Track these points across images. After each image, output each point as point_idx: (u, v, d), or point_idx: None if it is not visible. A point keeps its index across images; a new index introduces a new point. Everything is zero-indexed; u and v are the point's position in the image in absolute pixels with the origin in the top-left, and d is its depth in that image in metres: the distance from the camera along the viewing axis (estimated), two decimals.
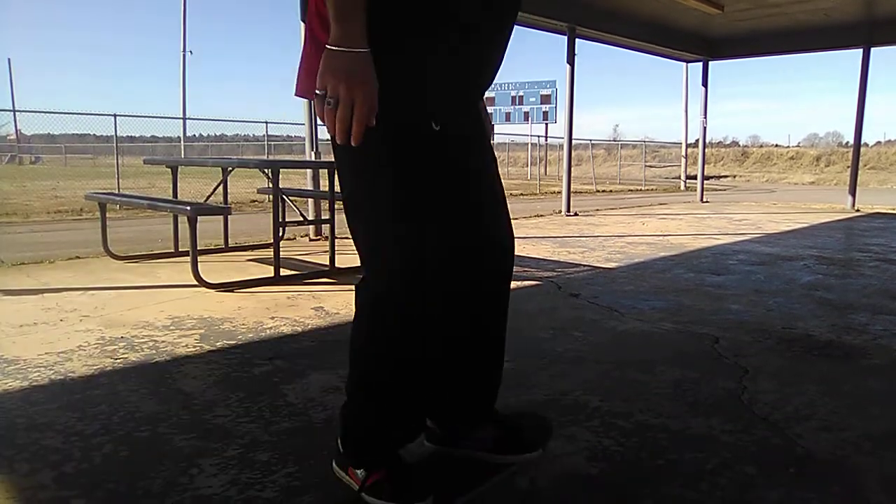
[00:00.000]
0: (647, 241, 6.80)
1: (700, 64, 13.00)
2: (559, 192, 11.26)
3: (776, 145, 43.58)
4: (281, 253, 4.49)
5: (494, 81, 1.62)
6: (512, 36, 1.58)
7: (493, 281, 1.69)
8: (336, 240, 4.82)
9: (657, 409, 2.29)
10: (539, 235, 7.32)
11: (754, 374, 2.67)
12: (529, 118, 35.08)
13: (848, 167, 14.50)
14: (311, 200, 6.61)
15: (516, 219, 9.28)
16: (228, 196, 5.78)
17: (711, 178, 27.10)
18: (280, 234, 4.66)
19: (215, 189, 5.48)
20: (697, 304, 3.97)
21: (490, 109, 35.14)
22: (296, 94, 1.46)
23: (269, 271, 4.48)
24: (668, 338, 3.21)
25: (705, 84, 13.07)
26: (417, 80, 1.37)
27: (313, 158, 6.82)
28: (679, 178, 25.57)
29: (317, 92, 1.28)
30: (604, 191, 20.76)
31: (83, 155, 34.83)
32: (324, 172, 5.60)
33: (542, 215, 9.99)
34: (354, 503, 1.60)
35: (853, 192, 11.57)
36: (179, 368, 2.66)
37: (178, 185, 5.62)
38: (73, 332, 3.15)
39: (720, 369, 2.75)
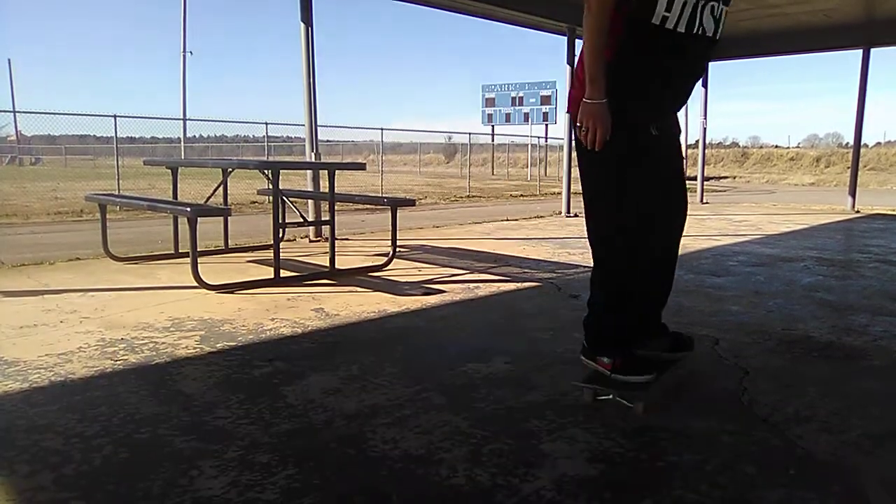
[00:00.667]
0: None
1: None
2: (559, 194, 11.26)
3: (776, 146, 43.57)
4: (281, 254, 4.49)
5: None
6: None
7: (680, 221, 2.55)
8: (336, 241, 4.82)
9: (657, 409, 2.29)
10: (539, 237, 7.32)
11: (754, 376, 2.67)
12: (529, 119, 35.07)
13: (848, 168, 14.51)
14: (311, 202, 6.61)
15: (515, 219, 9.29)
16: (228, 197, 5.79)
17: (711, 178, 27.08)
18: (280, 235, 4.66)
19: (215, 190, 5.48)
20: (697, 305, 3.97)
21: (490, 110, 35.23)
22: (567, 111, 2.52)
23: (269, 273, 4.48)
24: None
25: (705, 85, 13.07)
26: (648, 116, 2.33)
27: (313, 159, 6.82)
28: None
29: (577, 124, 2.27)
30: None
31: (83, 156, 34.82)
32: (324, 174, 5.60)
33: (542, 216, 9.99)
34: None
35: (853, 194, 11.57)
36: (179, 370, 2.66)
37: (178, 186, 5.62)
38: (73, 333, 3.15)
39: (720, 370, 2.74)
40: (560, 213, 10.22)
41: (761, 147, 45.28)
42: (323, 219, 5.93)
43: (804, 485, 1.79)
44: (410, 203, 5.76)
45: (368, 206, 10.58)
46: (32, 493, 1.71)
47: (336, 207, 4.85)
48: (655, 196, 2.35)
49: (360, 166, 6.00)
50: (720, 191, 22.22)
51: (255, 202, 12.11)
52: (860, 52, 11.00)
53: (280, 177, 4.51)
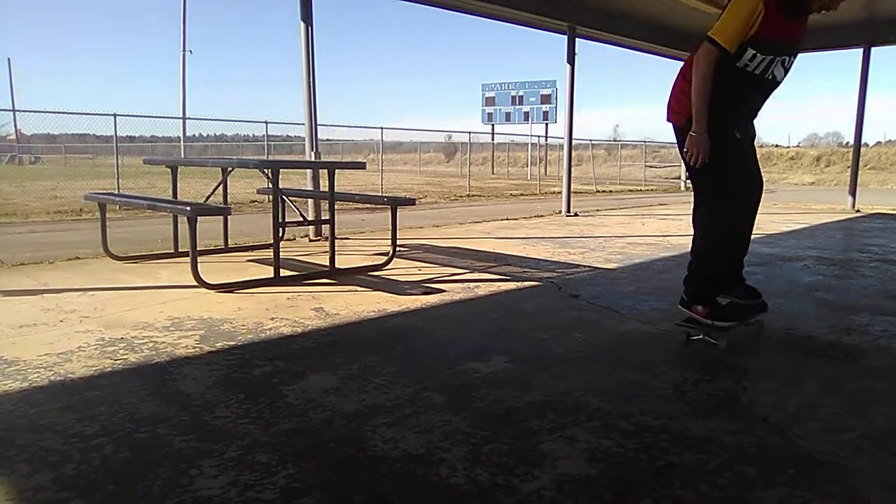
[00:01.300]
0: (648, 242, 6.80)
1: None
2: (559, 193, 11.26)
3: (776, 145, 43.48)
4: (281, 253, 4.49)
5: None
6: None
7: (759, 199, 3.25)
8: (336, 240, 4.82)
9: (657, 410, 2.29)
10: (539, 236, 7.31)
11: (755, 375, 2.67)
12: (529, 118, 35.10)
13: (848, 167, 14.50)
14: (310, 201, 6.60)
15: (515, 219, 9.28)
16: (228, 196, 5.78)
17: None
18: (280, 234, 4.66)
19: (215, 189, 5.48)
20: None
21: (490, 109, 35.20)
22: (667, 120, 3.24)
23: (268, 272, 4.48)
24: (668, 339, 3.20)
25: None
26: (734, 125, 3.08)
27: (313, 158, 6.82)
28: (679, 178, 25.54)
29: (684, 150, 3.06)
30: (604, 191, 20.76)
31: (83, 155, 34.82)
32: (323, 173, 5.59)
33: (542, 216, 9.99)
34: None
35: (853, 193, 11.57)
36: (179, 369, 2.66)
37: (178, 185, 5.62)
38: (72, 332, 3.15)
39: (720, 370, 2.74)
40: (560, 212, 10.22)
41: (761, 146, 45.22)
42: (323, 218, 5.93)
43: (804, 485, 1.79)
44: (410, 202, 5.76)
45: (368, 206, 10.57)
46: (32, 493, 1.71)
47: (336, 206, 4.85)
48: (746, 174, 3.16)
49: (360, 165, 6.00)
50: None
51: (254, 201, 12.11)
52: (860, 50, 11.01)
53: (280, 176, 4.50)
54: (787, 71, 3.11)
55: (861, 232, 8.16)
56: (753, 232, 3.32)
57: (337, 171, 4.89)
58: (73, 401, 2.30)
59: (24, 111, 13.84)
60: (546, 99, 34.65)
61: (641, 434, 2.09)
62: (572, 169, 10.71)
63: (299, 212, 5.58)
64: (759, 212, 3.25)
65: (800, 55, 3.16)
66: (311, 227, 6.64)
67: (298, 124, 10.32)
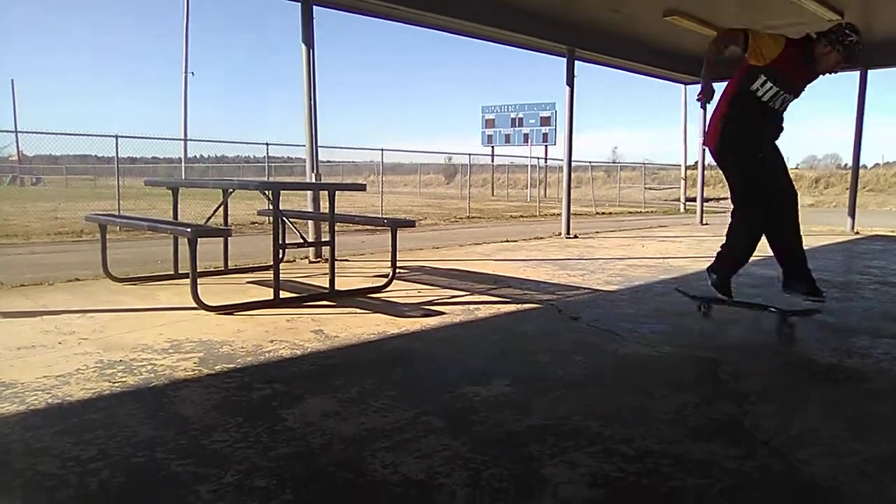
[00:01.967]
0: (647, 264, 6.80)
1: (699, 85, 13.08)
2: (559, 215, 11.28)
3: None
4: (281, 275, 4.49)
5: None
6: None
7: (793, 203, 3.95)
8: (336, 262, 4.82)
9: (658, 434, 2.27)
10: (539, 258, 7.32)
11: (756, 399, 2.65)
12: (529, 140, 35.30)
13: (846, 189, 14.55)
14: (311, 222, 6.61)
15: (515, 241, 9.30)
16: (229, 218, 5.79)
17: (711, 200, 27.11)
18: (280, 256, 4.66)
19: (216, 211, 5.49)
20: (698, 327, 3.96)
21: (489, 131, 35.43)
22: (704, 144, 4.43)
23: (268, 294, 4.47)
24: (668, 361, 3.19)
25: (704, 107, 13.12)
26: (758, 149, 3.89)
27: (314, 180, 6.84)
28: (679, 200, 25.61)
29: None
30: (603, 213, 20.80)
31: (84, 176, 34.93)
32: (324, 194, 5.61)
33: (542, 238, 10.00)
34: None
35: (852, 214, 11.59)
36: (178, 392, 2.65)
37: (179, 206, 5.63)
38: (71, 354, 3.14)
39: (722, 393, 2.73)
40: (560, 234, 10.23)
41: None
42: (323, 239, 5.94)
43: None
44: (410, 224, 5.78)
45: (368, 227, 10.59)
46: None
47: (336, 228, 4.86)
48: (773, 184, 3.92)
49: (361, 187, 6.01)
50: (720, 212, 22.25)
51: (255, 223, 12.13)
52: (857, 73, 11.10)
53: (280, 197, 4.52)
54: (784, 108, 3.95)
55: (860, 254, 8.16)
56: (753, 253, 4.02)
57: (337, 192, 4.90)
58: (71, 424, 2.29)
59: (26, 132, 13.95)
60: (545, 121, 34.88)
61: (643, 458, 2.07)
62: (572, 191, 10.74)
63: (299, 233, 5.58)
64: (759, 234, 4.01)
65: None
66: (311, 249, 6.64)
67: (299, 146, 10.38)
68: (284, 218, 5.02)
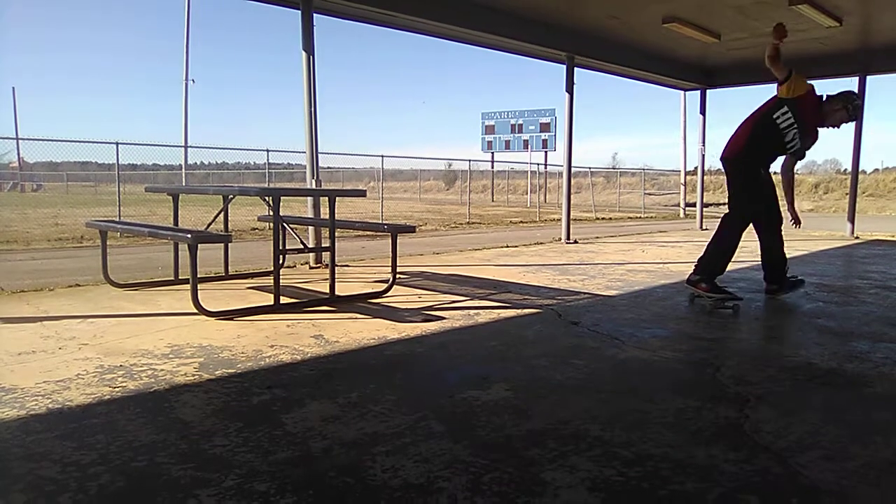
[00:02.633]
0: (647, 269, 6.80)
1: (698, 92, 13.13)
2: (559, 220, 11.29)
3: (774, 173, 43.72)
4: (281, 281, 4.49)
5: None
6: None
7: (780, 222, 4.99)
8: (336, 267, 4.83)
9: (659, 438, 2.27)
10: (539, 263, 7.32)
11: (756, 403, 2.65)
12: (529, 146, 35.37)
13: (846, 194, 14.57)
14: (311, 228, 6.62)
15: (515, 246, 9.30)
16: (229, 224, 5.80)
17: (710, 205, 27.14)
18: (280, 261, 4.67)
19: (216, 217, 5.50)
20: (698, 332, 3.97)
21: (489, 137, 35.58)
22: (724, 157, 4.87)
23: (268, 299, 4.48)
24: (668, 366, 3.19)
25: (703, 112, 13.19)
26: (764, 169, 4.87)
27: (314, 186, 6.85)
28: (678, 205, 25.65)
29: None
30: (603, 218, 20.82)
31: (85, 182, 34.98)
32: (324, 200, 5.62)
33: (542, 243, 10.00)
34: None
35: (852, 220, 11.61)
36: (178, 397, 2.65)
37: (179, 212, 5.64)
38: (71, 360, 3.14)
39: (722, 398, 2.73)
40: (560, 239, 10.23)
41: None
42: (323, 245, 5.94)
43: None
44: (410, 230, 5.78)
45: (369, 233, 10.60)
46: None
47: (336, 234, 4.86)
48: (764, 198, 4.82)
49: (361, 193, 6.02)
50: (719, 217, 22.27)
51: (255, 229, 12.15)
52: (856, 79, 11.13)
53: (281, 203, 4.52)
54: (791, 142, 4.69)
55: (860, 258, 8.16)
56: (751, 260, 4.57)
57: (337, 198, 4.91)
58: (71, 429, 2.29)
59: (27, 139, 13.95)
60: (545, 127, 34.95)
61: (643, 462, 2.07)
62: (572, 196, 10.75)
63: (300, 239, 5.59)
64: (751, 239, 4.67)
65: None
66: (311, 255, 6.65)
67: (299, 152, 10.40)
68: (285, 224, 5.03)
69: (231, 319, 4.10)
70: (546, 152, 35.04)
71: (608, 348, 3.50)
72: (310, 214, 6.75)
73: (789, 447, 2.20)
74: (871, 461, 2.11)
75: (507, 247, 9.31)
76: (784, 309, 4.75)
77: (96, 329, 3.79)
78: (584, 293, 5.24)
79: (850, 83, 11.16)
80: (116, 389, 2.72)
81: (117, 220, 9.15)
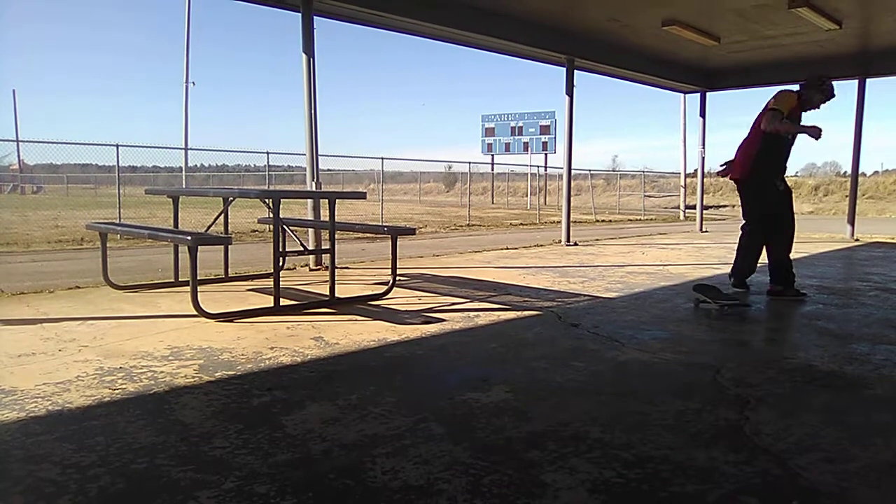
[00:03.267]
0: (647, 271, 6.80)
1: (698, 95, 13.15)
2: (559, 222, 11.30)
3: (795, 174, 43.78)
4: (281, 283, 4.49)
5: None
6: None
7: (793, 230, 5.31)
8: (336, 269, 4.82)
9: (659, 440, 2.27)
10: (539, 265, 7.32)
11: (756, 405, 2.65)
12: (529, 148, 35.35)
13: (846, 197, 14.58)
14: (311, 230, 6.63)
15: (515, 248, 9.30)
16: (229, 226, 5.80)
17: (710, 207, 27.19)
18: (280, 263, 4.67)
19: (216, 219, 5.50)
20: (698, 334, 3.97)
21: (489, 140, 35.61)
22: (733, 177, 5.49)
23: (268, 301, 4.48)
24: (669, 368, 3.19)
25: (703, 115, 13.20)
26: (776, 179, 5.25)
27: (314, 188, 6.85)
28: (678, 207, 25.66)
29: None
30: (603, 220, 20.83)
31: (85, 185, 35.01)
32: (324, 202, 5.62)
33: (542, 245, 10.01)
34: None
35: (852, 222, 11.61)
36: (178, 399, 2.65)
37: (179, 214, 5.64)
38: (71, 362, 3.14)
39: (722, 400, 2.73)
40: (560, 241, 10.24)
41: None
42: (323, 247, 5.94)
43: None
44: (410, 232, 5.78)
45: (368, 235, 10.61)
46: None
47: (336, 236, 4.86)
48: (784, 212, 5.23)
49: (361, 195, 6.02)
50: (719, 219, 22.31)
51: (255, 231, 12.15)
52: (856, 82, 11.14)
53: (280, 205, 4.53)
54: (792, 140, 5.23)
55: (861, 261, 8.17)
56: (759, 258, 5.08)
57: (337, 200, 4.91)
58: (71, 431, 2.29)
59: (27, 141, 13.96)
60: (545, 130, 34.95)
61: (643, 464, 2.07)
62: (571, 198, 10.76)
63: (300, 241, 5.59)
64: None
65: (793, 86, 5.25)
66: (311, 257, 6.65)
67: (299, 154, 10.40)
68: (285, 226, 5.03)
69: (231, 321, 4.10)
70: (546, 154, 35.05)
71: (608, 350, 3.50)
72: (310, 216, 6.75)
73: (789, 449, 2.20)
74: (872, 463, 2.10)
75: (507, 249, 9.31)
76: (784, 311, 4.74)
77: (96, 331, 3.79)
78: (584, 295, 5.24)
79: (850, 86, 11.20)
80: (116, 391, 2.72)
81: (117, 222, 9.15)
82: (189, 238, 4.14)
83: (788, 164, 5.36)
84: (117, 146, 12.22)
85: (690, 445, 2.23)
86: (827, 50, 10.26)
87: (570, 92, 10.00)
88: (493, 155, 36.43)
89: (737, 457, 2.13)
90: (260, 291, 5.16)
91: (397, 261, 5.10)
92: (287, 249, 4.99)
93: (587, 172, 28.73)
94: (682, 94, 14.61)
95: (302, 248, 5.29)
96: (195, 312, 4.08)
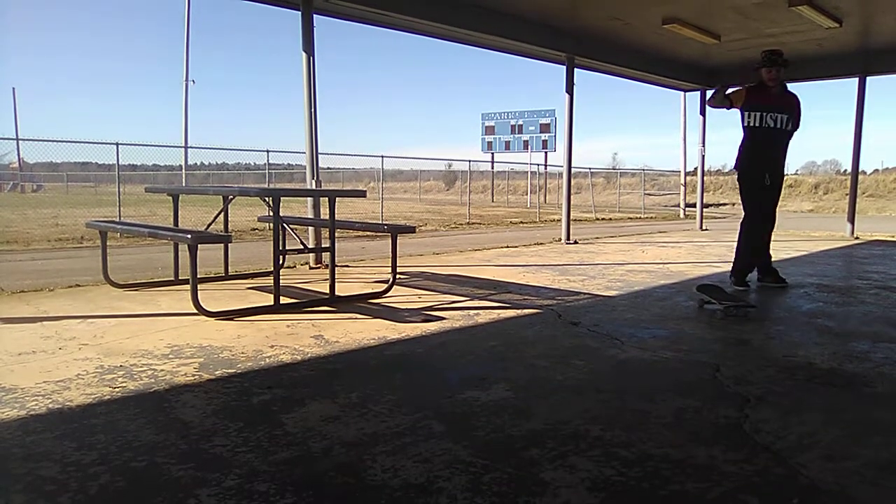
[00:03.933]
0: (648, 269, 6.80)
1: (698, 93, 13.13)
2: (559, 220, 11.29)
3: (796, 173, 43.78)
4: (281, 281, 4.49)
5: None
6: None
7: (772, 226, 5.70)
8: (336, 268, 4.82)
9: (659, 438, 2.27)
10: (539, 263, 7.32)
11: (756, 403, 2.65)
12: (529, 147, 35.35)
13: (846, 195, 14.57)
14: (311, 229, 6.62)
15: (515, 246, 9.30)
16: (229, 224, 5.80)
17: (710, 205, 27.19)
18: (280, 262, 4.67)
19: (216, 217, 5.50)
20: (698, 332, 3.97)
21: (489, 138, 35.61)
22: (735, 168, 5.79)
23: (268, 299, 4.48)
24: (669, 366, 3.19)
25: (703, 113, 13.18)
26: (764, 173, 5.47)
27: (314, 186, 6.85)
28: (678, 206, 25.65)
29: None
30: (603, 219, 20.83)
31: (85, 183, 34.99)
32: (324, 201, 5.62)
33: (542, 243, 10.00)
34: None
35: (852, 220, 11.60)
36: (178, 397, 2.65)
37: (179, 213, 5.64)
38: (71, 360, 3.14)
39: (722, 398, 2.73)
40: (560, 239, 10.24)
41: None
42: (323, 245, 5.94)
43: None
44: (410, 230, 5.78)
45: (369, 233, 10.61)
46: None
47: (336, 234, 4.86)
48: (769, 207, 5.55)
49: (361, 193, 6.02)
50: (719, 217, 22.30)
51: (255, 229, 12.15)
52: (856, 80, 11.13)
53: (281, 204, 4.53)
54: (781, 123, 5.32)
55: (860, 259, 8.17)
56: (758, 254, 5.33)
57: (337, 199, 4.91)
58: (71, 429, 2.29)
59: (27, 140, 13.95)
60: (545, 128, 34.95)
61: (643, 462, 2.07)
62: (571, 197, 10.75)
63: (300, 239, 5.59)
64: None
65: (794, 84, 5.56)
66: (311, 255, 6.65)
67: (299, 153, 10.39)
68: (285, 224, 5.03)
69: (231, 320, 4.10)
70: (546, 153, 35.05)
71: (608, 349, 3.50)
72: (310, 215, 6.75)
73: (789, 447, 2.20)
74: (872, 461, 2.11)
75: (507, 247, 9.31)
76: (784, 309, 4.75)
77: (96, 329, 3.79)
78: (584, 293, 5.24)
79: (850, 84, 11.19)
80: (116, 389, 2.72)
81: (117, 220, 9.15)
82: (189, 236, 4.14)
83: (787, 161, 5.53)
84: (117, 144, 12.23)
85: (690, 443, 2.23)
86: (827, 48, 10.24)
87: (570, 90, 9.99)
88: (493, 153, 36.43)
89: (737, 455, 2.13)
90: (260, 290, 5.16)
91: (397, 259, 5.10)
92: (287, 248, 4.99)
93: (587, 170, 28.73)
94: (682, 93, 14.60)
95: (302, 247, 5.29)
96: (195, 311, 4.08)
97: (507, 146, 36.29)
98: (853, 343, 3.67)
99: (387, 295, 4.99)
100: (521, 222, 17.99)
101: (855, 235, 11.39)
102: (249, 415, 2.46)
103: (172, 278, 5.35)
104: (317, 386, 2.83)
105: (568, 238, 10.12)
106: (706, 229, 13.37)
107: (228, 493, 1.83)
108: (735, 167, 5.67)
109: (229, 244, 5.41)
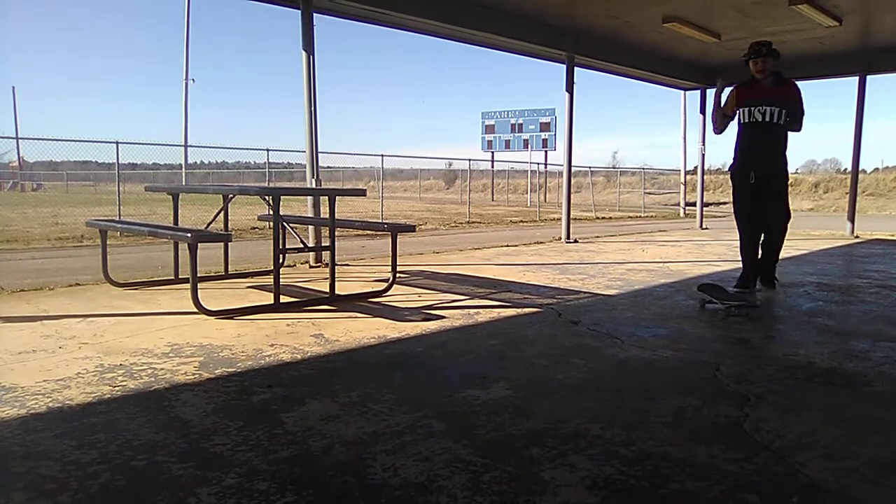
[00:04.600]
0: (648, 268, 6.80)
1: (698, 92, 13.13)
2: (559, 219, 11.29)
3: (796, 172, 43.72)
4: (281, 280, 4.49)
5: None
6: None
7: (776, 230, 5.37)
8: (336, 266, 4.82)
9: (659, 436, 2.27)
10: (539, 262, 7.32)
11: (756, 402, 2.65)
12: (529, 145, 35.32)
13: (846, 194, 14.56)
14: (311, 227, 6.62)
15: (515, 245, 9.30)
16: (229, 223, 5.80)
17: (710, 204, 27.16)
18: (280, 260, 4.67)
19: (216, 216, 5.50)
20: (698, 331, 3.97)
21: (489, 137, 35.55)
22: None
23: (268, 298, 4.48)
24: (669, 365, 3.19)
25: (703, 112, 13.18)
26: (749, 171, 5.23)
27: (314, 185, 6.85)
28: (678, 204, 25.63)
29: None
30: (603, 218, 20.83)
31: (84, 182, 34.98)
32: (324, 199, 5.62)
33: (542, 242, 10.00)
34: None
35: (852, 219, 11.60)
36: (178, 396, 2.65)
37: (179, 211, 5.64)
38: (71, 359, 3.14)
39: (722, 397, 2.73)
40: (560, 238, 10.23)
41: None
42: (323, 244, 5.94)
43: None
44: (410, 229, 5.77)
45: (369, 232, 10.61)
46: None
47: (336, 233, 4.86)
48: (757, 208, 5.29)
49: (361, 192, 6.01)
50: (719, 216, 22.27)
51: (255, 228, 12.14)
52: (856, 78, 11.13)
53: (281, 202, 4.52)
54: (771, 116, 5.10)
55: (860, 258, 8.16)
56: (755, 255, 5.31)
57: (337, 197, 4.91)
58: (71, 427, 2.29)
59: (27, 139, 13.96)
60: (545, 127, 34.92)
61: (643, 461, 2.07)
62: (571, 196, 10.75)
63: (300, 238, 5.59)
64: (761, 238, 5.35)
65: (799, 86, 5.23)
66: (311, 254, 6.65)
67: (299, 152, 10.39)
68: (285, 223, 5.03)
69: (231, 318, 4.10)
70: (546, 152, 35.01)
71: (608, 347, 3.50)
72: (310, 214, 6.75)
73: (789, 446, 2.21)
74: (872, 460, 2.11)
75: (507, 246, 9.31)
76: (784, 308, 4.75)
77: (96, 328, 3.79)
78: (585, 292, 5.24)
79: (850, 83, 11.19)
80: (116, 388, 2.72)
81: (117, 219, 9.14)
82: (189, 235, 4.14)
83: (787, 159, 5.27)
84: (117, 143, 12.20)
85: (690, 442, 2.23)
86: (827, 47, 10.24)
87: (570, 89, 9.99)
88: (493, 152, 36.40)
89: (737, 454, 2.13)
90: (260, 288, 5.16)
91: (397, 258, 5.10)
92: (287, 246, 4.99)
93: (587, 169, 28.71)
94: (682, 91, 14.60)
95: (302, 245, 5.29)
96: (195, 309, 4.08)
97: (507, 145, 36.26)
98: (853, 342, 3.67)
99: (387, 294, 4.99)
100: (521, 221, 17.99)
101: (855, 234, 11.39)
102: (249, 414, 2.46)
103: (172, 277, 5.35)
104: (317, 385, 2.83)
105: (568, 237, 10.12)
106: (706, 228, 13.36)
107: (228, 492, 1.83)
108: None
109: (229, 243, 5.42)
